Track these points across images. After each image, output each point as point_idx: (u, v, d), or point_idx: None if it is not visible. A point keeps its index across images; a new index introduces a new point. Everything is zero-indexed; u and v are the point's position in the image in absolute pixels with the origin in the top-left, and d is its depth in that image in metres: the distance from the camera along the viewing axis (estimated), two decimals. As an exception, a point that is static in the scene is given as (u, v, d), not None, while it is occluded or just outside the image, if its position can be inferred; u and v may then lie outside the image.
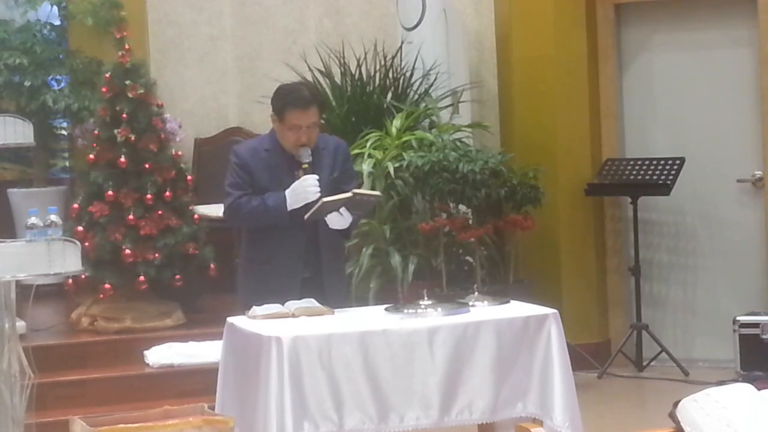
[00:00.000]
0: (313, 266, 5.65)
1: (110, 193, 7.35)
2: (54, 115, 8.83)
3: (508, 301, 5.31)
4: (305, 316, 5.10)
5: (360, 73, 8.53)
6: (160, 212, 7.40)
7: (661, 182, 8.34)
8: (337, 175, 5.67)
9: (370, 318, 5.12)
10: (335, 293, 5.66)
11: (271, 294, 5.38)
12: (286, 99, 5.62)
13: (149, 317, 7.49)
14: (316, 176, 5.54)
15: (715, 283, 8.62)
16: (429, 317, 4.97)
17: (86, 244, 7.05)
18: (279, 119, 5.62)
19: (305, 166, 5.57)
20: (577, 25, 8.66)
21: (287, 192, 5.54)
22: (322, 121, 8.42)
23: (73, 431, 4.86)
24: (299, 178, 5.56)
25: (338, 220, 5.55)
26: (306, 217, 5.49)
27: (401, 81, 8.54)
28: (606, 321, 8.75)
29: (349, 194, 5.51)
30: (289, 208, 5.54)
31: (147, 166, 7.45)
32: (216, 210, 8.40)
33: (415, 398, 4.82)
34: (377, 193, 5.88)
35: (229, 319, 5.20)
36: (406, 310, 5.07)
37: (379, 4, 9.34)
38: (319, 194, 5.50)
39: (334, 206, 5.50)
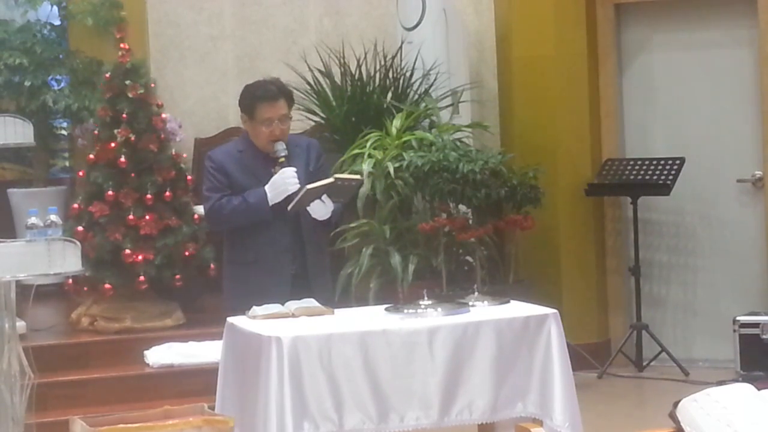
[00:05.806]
0: (300, 260, 5.69)
1: (110, 193, 7.35)
2: (54, 115, 8.82)
3: (508, 301, 5.30)
4: (305, 316, 5.10)
5: (360, 73, 8.53)
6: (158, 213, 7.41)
7: (661, 182, 8.34)
8: (313, 170, 5.73)
9: (370, 318, 5.11)
10: (321, 289, 5.68)
11: (261, 294, 5.37)
12: (254, 95, 5.68)
13: (149, 317, 7.49)
14: (294, 168, 5.58)
15: (715, 283, 8.62)
16: (429, 317, 4.97)
17: (86, 244, 7.05)
18: (249, 117, 5.68)
19: (282, 159, 5.60)
20: (577, 25, 8.66)
21: (267, 187, 5.58)
22: (322, 121, 8.50)
23: (73, 431, 4.86)
24: (276, 174, 5.60)
25: (321, 209, 5.60)
26: (289, 207, 5.51)
27: (401, 81, 8.54)
28: (606, 321, 8.75)
29: (330, 179, 5.54)
30: (271, 202, 5.58)
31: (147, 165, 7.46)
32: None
33: (415, 398, 4.81)
34: (358, 177, 5.90)
35: (229, 319, 5.20)
36: (406, 310, 5.07)
37: (379, 4, 9.34)
38: (298, 185, 5.56)
39: (317, 193, 5.53)
